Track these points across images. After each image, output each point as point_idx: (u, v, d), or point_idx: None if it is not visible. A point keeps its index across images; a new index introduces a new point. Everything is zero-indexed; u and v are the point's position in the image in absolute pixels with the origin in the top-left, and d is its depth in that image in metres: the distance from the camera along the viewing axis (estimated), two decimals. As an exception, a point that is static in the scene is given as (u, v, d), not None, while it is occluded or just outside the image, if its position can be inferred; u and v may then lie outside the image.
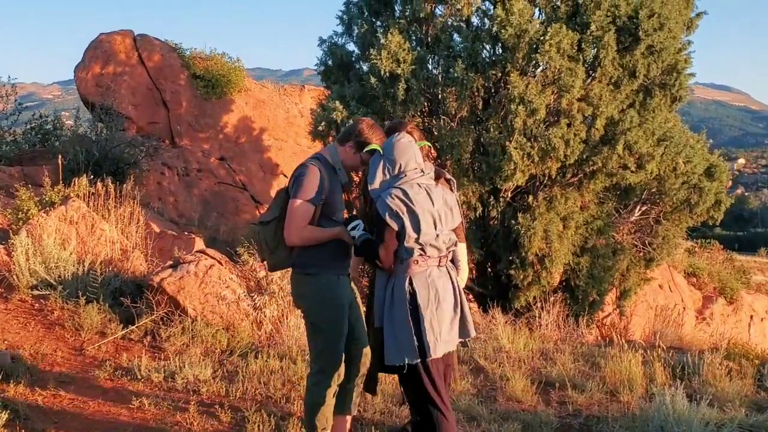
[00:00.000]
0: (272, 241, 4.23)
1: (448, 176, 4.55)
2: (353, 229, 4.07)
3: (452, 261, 4.18)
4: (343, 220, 4.21)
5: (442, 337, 3.90)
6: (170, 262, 7.84)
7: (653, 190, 10.84)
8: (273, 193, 17.83)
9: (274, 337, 7.27)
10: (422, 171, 4.00)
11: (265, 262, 4.45)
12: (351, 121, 9.51)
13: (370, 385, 4.68)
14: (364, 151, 4.16)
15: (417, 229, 3.82)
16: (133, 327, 6.76)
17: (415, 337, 3.85)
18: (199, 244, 10.22)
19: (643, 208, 11.18)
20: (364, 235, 4.02)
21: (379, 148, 4.07)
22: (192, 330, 6.89)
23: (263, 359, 6.34)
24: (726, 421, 5.43)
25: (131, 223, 8.78)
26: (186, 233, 10.82)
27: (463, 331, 4.07)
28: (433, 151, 4.73)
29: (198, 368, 6.00)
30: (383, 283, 4.02)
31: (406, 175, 3.94)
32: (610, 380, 6.72)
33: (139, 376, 5.79)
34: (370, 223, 4.10)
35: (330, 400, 4.28)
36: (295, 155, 17.06)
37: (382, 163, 4.00)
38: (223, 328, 7.10)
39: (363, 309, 4.57)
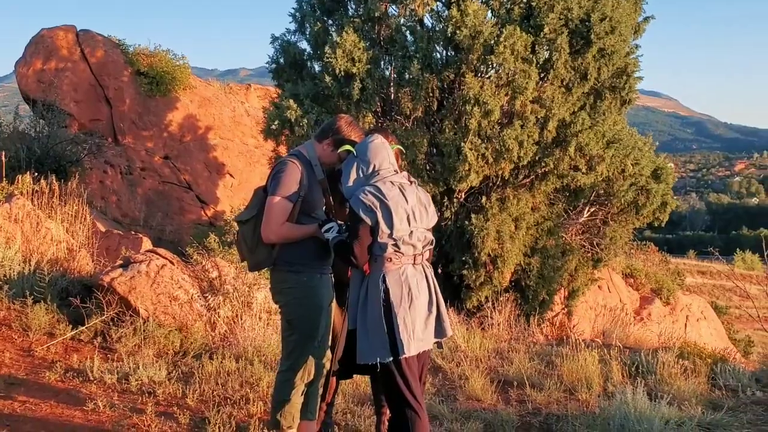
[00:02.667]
0: (251, 239, 4.17)
1: (412, 179, 4.53)
2: (327, 231, 4.02)
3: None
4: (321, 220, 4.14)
5: (416, 335, 3.84)
6: (120, 262, 7.63)
7: (602, 192, 11.00)
8: (219, 193, 17.72)
9: (228, 338, 7.13)
10: (395, 170, 3.98)
11: (245, 262, 4.37)
12: (305, 120, 9.50)
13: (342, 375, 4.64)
14: (339, 150, 4.11)
15: (390, 224, 3.78)
16: (83, 328, 6.54)
17: (387, 336, 3.80)
18: (147, 243, 10.01)
19: (592, 210, 11.34)
20: (337, 237, 3.97)
21: (352, 149, 4.03)
22: (144, 331, 6.67)
23: (218, 360, 6.21)
24: (685, 419, 5.49)
25: (77, 222, 8.54)
26: (133, 233, 10.57)
27: (439, 330, 4.01)
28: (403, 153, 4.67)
29: (152, 370, 5.84)
30: (358, 284, 3.97)
31: (379, 174, 3.92)
32: (567, 379, 6.76)
33: (92, 378, 5.60)
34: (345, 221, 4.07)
35: (297, 399, 4.20)
36: (241, 155, 16.90)
37: (356, 163, 3.96)
38: (176, 329, 6.93)
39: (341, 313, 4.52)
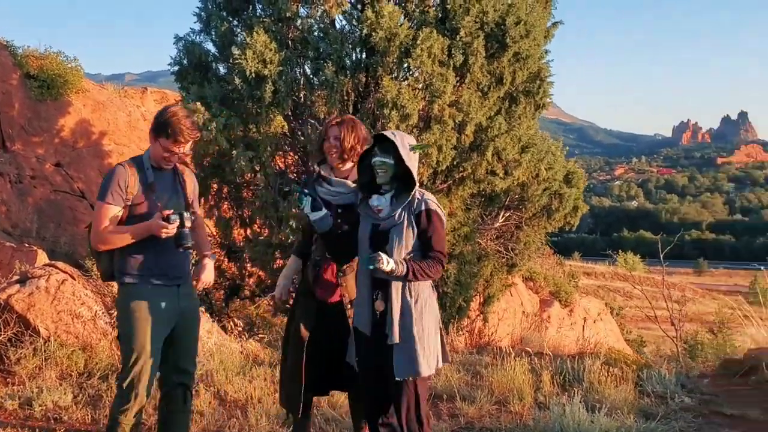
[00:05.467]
0: (92, 248, 3.91)
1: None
2: (304, 206, 3.88)
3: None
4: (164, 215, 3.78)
5: None
6: (17, 277, 7.12)
7: (516, 197, 11.00)
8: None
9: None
10: None
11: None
12: (214, 124, 9.04)
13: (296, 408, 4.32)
14: (414, 148, 3.95)
15: None
16: (-23, 350, 6.04)
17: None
18: (42, 256, 9.35)
19: (507, 215, 11.31)
20: (323, 214, 3.91)
21: (427, 149, 4.00)
22: (45, 351, 6.29)
23: (126, 381, 5.80)
24: (622, 429, 5.43)
25: (-37, 234, 7.89)
26: (26, 245, 9.88)
27: None
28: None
29: (57, 393, 5.51)
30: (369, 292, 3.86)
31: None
32: (497, 390, 6.63)
33: (-9, 405, 5.15)
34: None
35: (126, 423, 3.87)
36: (138, 161, 15.87)
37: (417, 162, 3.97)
38: (79, 349, 6.60)
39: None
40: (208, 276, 4.15)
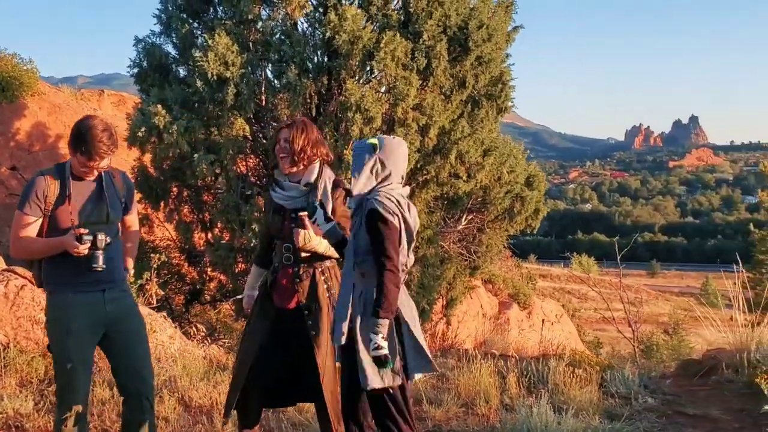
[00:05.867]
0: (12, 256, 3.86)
1: (346, 186, 4.22)
2: (317, 217, 3.78)
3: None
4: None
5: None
6: (-27, 283, 6.94)
7: (479, 200, 11.06)
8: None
9: (98, 363, 6.58)
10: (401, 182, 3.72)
11: None
12: (175, 127, 8.93)
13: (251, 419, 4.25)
14: (368, 141, 3.72)
15: (409, 239, 3.65)
16: (-66, 359, 5.89)
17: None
18: (0, 262, 9.12)
19: (469, 217, 11.37)
20: (333, 225, 3.75)
21: (376, 143, 3.66)
22: (4, 358, 6.17)
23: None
24: (589, 430, 5.47)
25: None
26: (-19, 250, 9.62)
27: None
28: (331, 155, 4.35)
29: (17, 401, 5.37)
30: (348, 296, 3.66)
31: (391, 183, 3.63)
32: (464, 392, 6.62)
33: (-52, 413, 5.02)
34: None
35: None
36: (94, 164, 15.64)
37: (374, 161, 3.60)
38: (39, 355, 6.44)
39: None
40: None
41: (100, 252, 3.64)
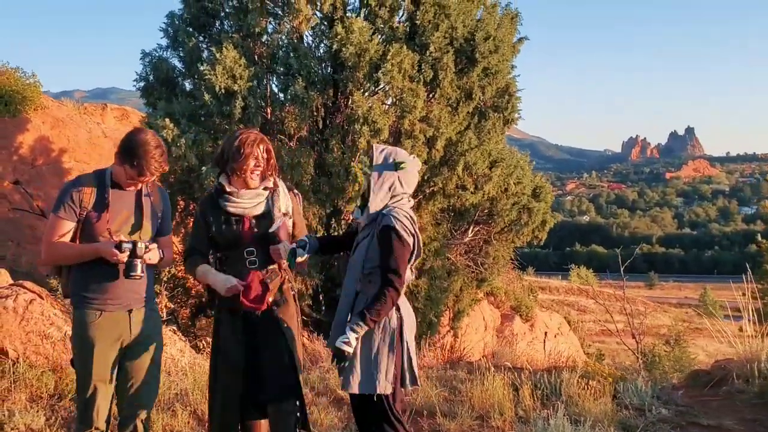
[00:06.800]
0: (43, 261, 3.78)
1: (296, 190, 4.25)
2: (301, 249, 3.74)
3: None
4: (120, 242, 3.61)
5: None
6: (-17, 298, 6.90)
7: (486, 211, 11.03)
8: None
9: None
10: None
11: None
12: (183, 140, 8.92)
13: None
14: (397, 163, 3.71)
15: (417, 254, 3.68)
16: (-56, 373, 5.87)
17: (396, 366, 3.62)
18: (5, 276, 9.07)
19: (476, 229, 11.34)
20: (313, 243, 3.75)
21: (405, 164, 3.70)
22: (14, 373, 6.08)
23: (98, 403, 5.68)
24: (608, 443, 5.44)
25: None
26: (-13, 265, 9.60)
27: None
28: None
29: (29, 416, 5.29)
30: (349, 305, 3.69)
31: (402, 199, 3.70)
32: (478, 405, 6.58)
33: (-40, 430, 4.99)
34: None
35: None
36: (99, 179, 15.59)
37: (396, 179, 3.67)
38: (49, 370, 6.34)
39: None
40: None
41: (139, 260, 3.59)
